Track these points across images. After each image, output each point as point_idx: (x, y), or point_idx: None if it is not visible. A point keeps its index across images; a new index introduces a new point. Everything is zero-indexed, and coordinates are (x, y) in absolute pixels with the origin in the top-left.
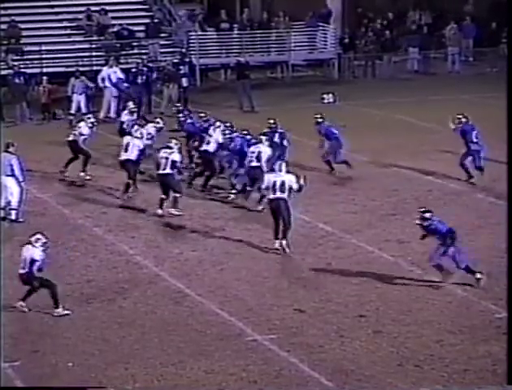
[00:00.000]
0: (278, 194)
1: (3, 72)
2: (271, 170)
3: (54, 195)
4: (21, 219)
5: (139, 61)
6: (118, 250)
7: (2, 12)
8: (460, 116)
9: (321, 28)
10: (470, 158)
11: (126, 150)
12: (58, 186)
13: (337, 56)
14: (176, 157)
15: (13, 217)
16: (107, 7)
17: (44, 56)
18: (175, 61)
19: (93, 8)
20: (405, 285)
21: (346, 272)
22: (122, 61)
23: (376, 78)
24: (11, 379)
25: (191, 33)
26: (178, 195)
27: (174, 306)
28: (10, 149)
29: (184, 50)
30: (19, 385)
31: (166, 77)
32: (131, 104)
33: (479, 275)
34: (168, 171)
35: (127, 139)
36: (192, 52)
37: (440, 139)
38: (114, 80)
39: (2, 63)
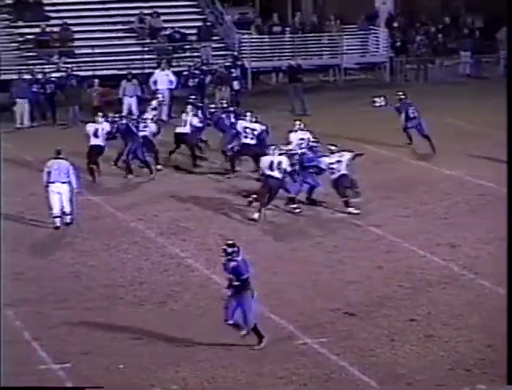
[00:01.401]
0: (275, 173)
1: (56, 75)
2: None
3: (106, 198)
4: (73, 222)
5: (191, 64)
6: (169, 253)
7: (55, 15)
8: (400, 93)
9: (373, 31)
10: (413, 130)
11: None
12: (111, 189)
13: (389, 59)
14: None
15: (68, 221)
16: (160, 10)
17: (96, 59)
18: (227, 64)
19: (145, 11)
20: (456, 289)
21: (397, 276)
22: (174, 64)
23: (428, 82)
24: (63, 381)
25: (244, 36)
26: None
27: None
28: (62, 155)
29: (236, 53)
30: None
31: (218, 80)
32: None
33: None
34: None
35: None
36: (244, 55)
37: (491, 143)
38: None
39: (55, 66)
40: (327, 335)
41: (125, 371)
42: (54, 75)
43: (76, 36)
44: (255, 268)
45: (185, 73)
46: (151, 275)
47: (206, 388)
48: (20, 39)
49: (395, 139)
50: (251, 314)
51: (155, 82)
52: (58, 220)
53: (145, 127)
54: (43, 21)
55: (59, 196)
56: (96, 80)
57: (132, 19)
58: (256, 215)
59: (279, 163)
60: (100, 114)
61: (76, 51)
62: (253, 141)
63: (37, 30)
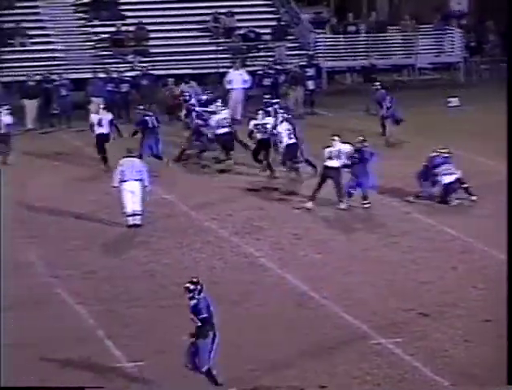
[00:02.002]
0: (334, 162)
1: (131, 74)
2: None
3: (180, 197)
4: (142, 224)
5: (265, 63)
6: (243, 252)
7: (130, 14)
8: (377, 83)
9: (448, 31)
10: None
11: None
12: (185, 188)
13: (463, 60)
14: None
15: (138, 222)
16: (234, 10)
17: (170, 58)
18: (302, 64)
19: (220, 10)
20: None
21: (472, 277)
22: (248, 63)
23: (503, 82)
24: (136, 379)
25: (318, 36)
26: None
27: (298, 309)
28: (134, 154)
29: (310, 53)
30: (142, 385)
31: (292, 80)
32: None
33: (220, 381)
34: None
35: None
36: (319, 55)
37: None
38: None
39: (130, 65)
40: (401, 336)
41: None
42: (128, 74)
43: (151, 35)
44: (328, 268)
45: (260, 72)
46: (224, 275)
47: (281, 388)
48: (96, 38)
49: (469, 139)
50: (205, 356)
51: (230, 81)
52: (131, 219)
53: (226, 124)
54: (118, 20)
55: (132, 194)
56: (170, 79)
57: (206, 18)
58: (308, 204)
59: (339, 152)
60: (102, 106)
61: (151, 50)
62: (266, 136)
63: (113, 29)
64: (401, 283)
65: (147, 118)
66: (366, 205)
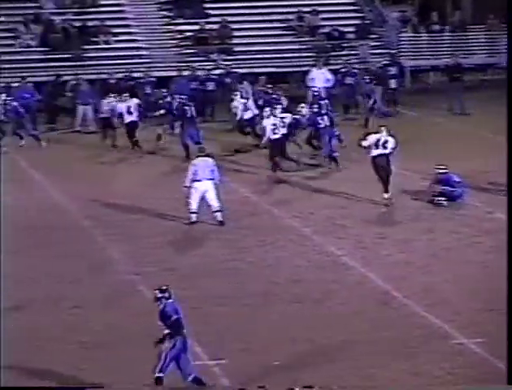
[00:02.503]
0: (381, 150)
1: (216, 72)
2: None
3: (263, 195)
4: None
5: (349, 62)
6: (325, 251)
7: (214, 12)
8: (366, 77)
9: None
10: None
11: None
12: (267, 186)
13: None
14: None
15: (220, 219)
16: (318, 8)
17: (254, 56)
18: (385, 62)
19: (304, 9)
20: None
21: None
22: (332, 62)
23: None
24: (217, 377)
25: (402, 35)
26: None
27: (380, 308)
28: (206, 153)
29: (393, 52)
30: (225, 384)
31: (372, 78)
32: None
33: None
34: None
35: None
36: (402, 53)
37: None
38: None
39: (214, 63)
40: (484, 336)
41: (281, 368)
42: (213, 72)
43: (235, 33)
44: (411, 267)
45: (342, 71)
46: (307, 273)
47: (363, 387)
48: (180, 36)
49: None
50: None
51: (312, 80)
52: (194, 216)
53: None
54: (202, 18)
55: (205, 193)
56: (261, 78)
57: (290, 16)
58: (385, 195)
59: (385, 142)
60: (126, 94)
61: (235, 49)
62: (284, 130)
63: (196, 27)
64: (484, 284)
65: (186, 108)
66: (443, 203)
